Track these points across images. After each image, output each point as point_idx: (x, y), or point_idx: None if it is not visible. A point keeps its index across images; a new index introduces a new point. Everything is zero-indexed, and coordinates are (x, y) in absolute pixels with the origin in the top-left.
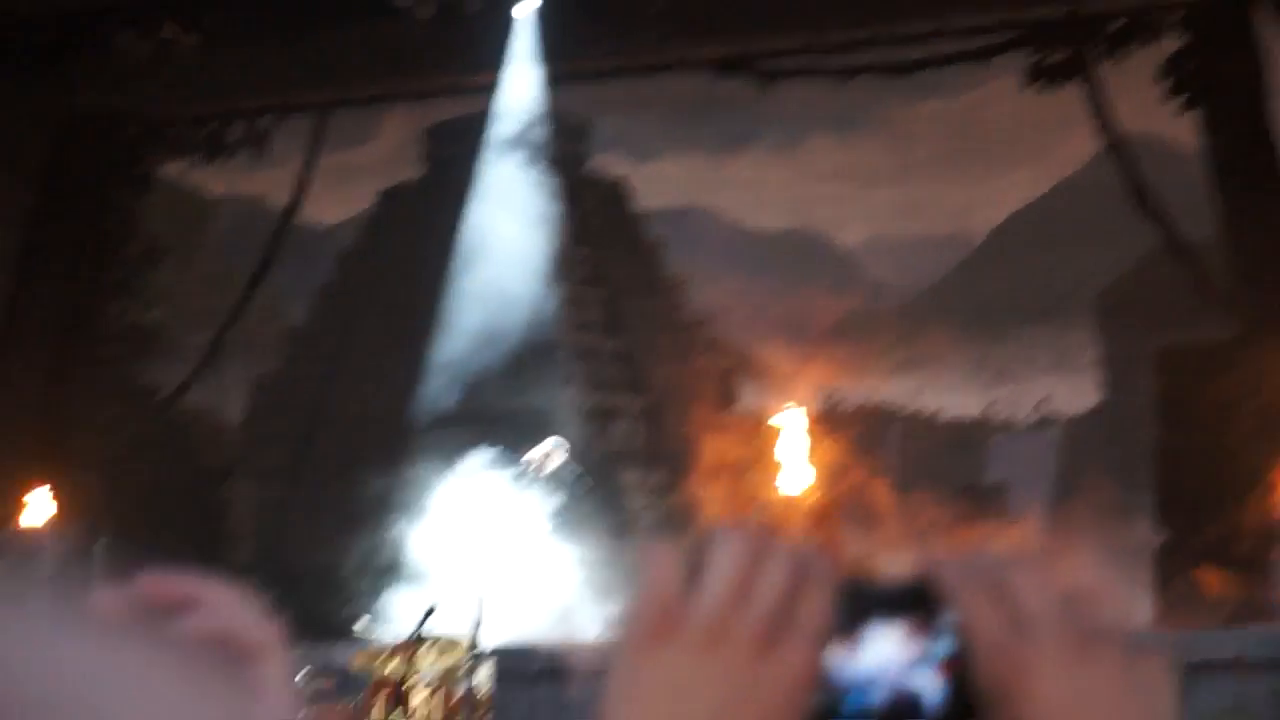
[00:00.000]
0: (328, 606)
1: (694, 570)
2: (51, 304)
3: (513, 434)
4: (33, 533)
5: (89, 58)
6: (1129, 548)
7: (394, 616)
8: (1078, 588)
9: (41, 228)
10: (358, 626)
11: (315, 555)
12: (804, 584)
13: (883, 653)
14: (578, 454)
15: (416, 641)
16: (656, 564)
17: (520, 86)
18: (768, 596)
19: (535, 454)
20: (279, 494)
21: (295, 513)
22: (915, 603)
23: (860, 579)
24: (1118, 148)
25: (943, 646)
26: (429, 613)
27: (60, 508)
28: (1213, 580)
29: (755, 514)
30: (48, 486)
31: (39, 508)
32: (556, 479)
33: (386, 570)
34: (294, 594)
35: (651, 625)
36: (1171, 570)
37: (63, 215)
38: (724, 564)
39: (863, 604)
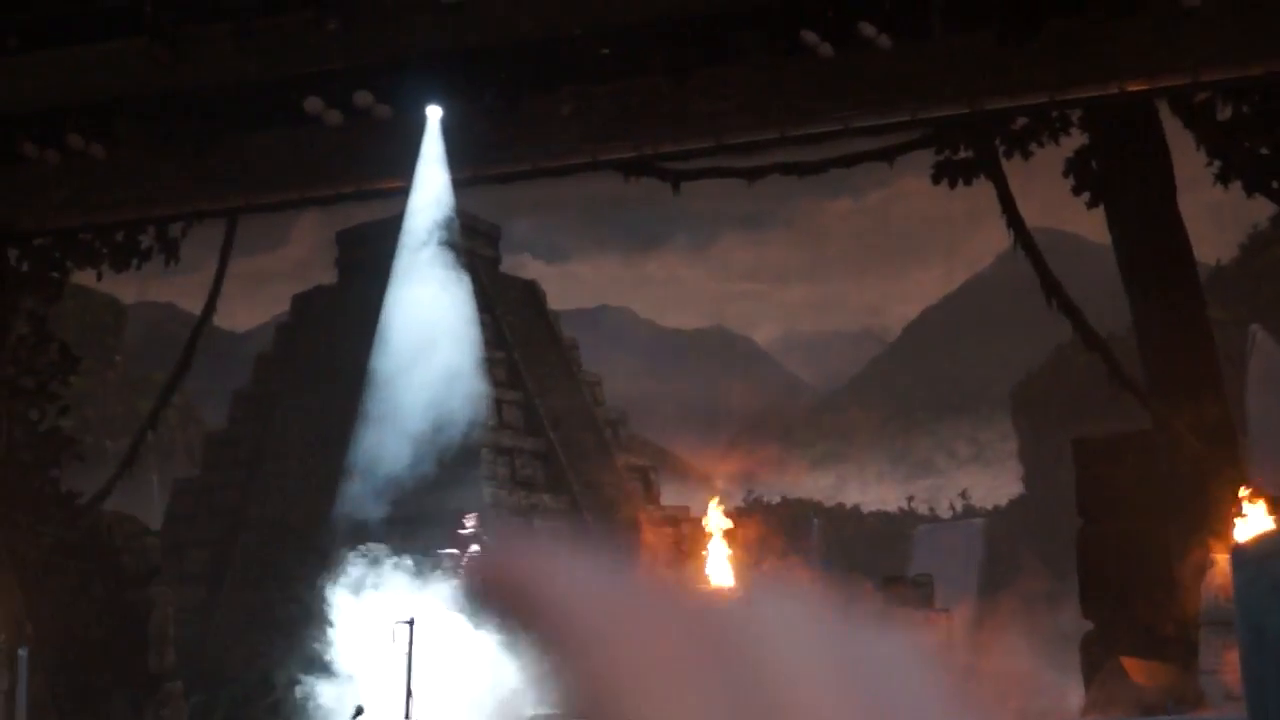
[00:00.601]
0: (254, 710)
1: None
2: None
3: (436, 533)
4: None
5: None
6: (1057, 636)
7: (322, 719)
8: None
9: None
10: None
11: (239, 658)
12: None
13: None
14: None
15: None
16: None
17: (431, 190)
18: None
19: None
20: (201, 598)
21: (218, 616)
22: None
23: None
24: (1027, 243)
25: None
26: (358, 712)
27: None
28: (1137, 667)
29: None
30: None
31: None
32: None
33: (312, 672)
34: (219, 697)
35: None
36: (1098, 657)
37: None
38: None
39: None
